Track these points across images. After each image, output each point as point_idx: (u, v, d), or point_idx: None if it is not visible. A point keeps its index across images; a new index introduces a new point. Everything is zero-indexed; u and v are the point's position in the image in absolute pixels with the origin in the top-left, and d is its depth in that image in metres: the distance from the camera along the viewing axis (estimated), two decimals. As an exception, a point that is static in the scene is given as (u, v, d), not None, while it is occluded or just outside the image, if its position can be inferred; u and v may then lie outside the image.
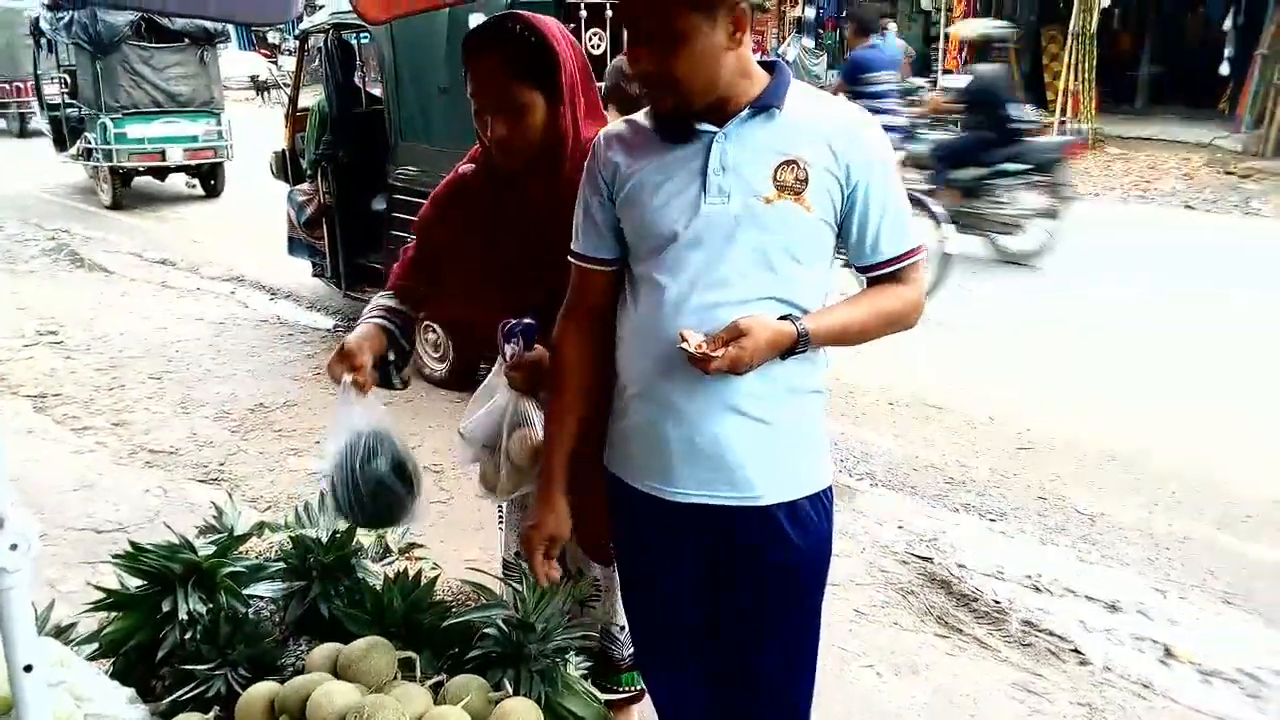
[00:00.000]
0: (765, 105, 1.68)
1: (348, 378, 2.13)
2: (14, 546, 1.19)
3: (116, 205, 11.38)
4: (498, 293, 2.23)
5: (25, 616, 1.24)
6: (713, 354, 1.58)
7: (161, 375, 5.74)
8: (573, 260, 1.89)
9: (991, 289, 7.55)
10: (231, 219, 10.85)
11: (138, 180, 11.99)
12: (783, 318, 1.66)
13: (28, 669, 1.25)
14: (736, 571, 1.85)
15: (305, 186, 6.43)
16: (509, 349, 2.08)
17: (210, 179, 12.17)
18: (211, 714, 1.80)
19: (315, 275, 6.69)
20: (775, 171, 1.66)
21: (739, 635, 1.93)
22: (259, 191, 10.41)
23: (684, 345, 1.60)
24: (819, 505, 1.82)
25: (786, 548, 1.79)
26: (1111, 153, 14.73)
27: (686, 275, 1.69)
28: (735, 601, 1.89)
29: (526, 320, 2.09)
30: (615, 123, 1.89)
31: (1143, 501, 4.22)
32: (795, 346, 1.65)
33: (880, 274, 1.78)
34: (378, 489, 2.08)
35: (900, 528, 4.00)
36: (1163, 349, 6.15)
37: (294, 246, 6.81)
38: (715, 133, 1.68)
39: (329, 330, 6.76)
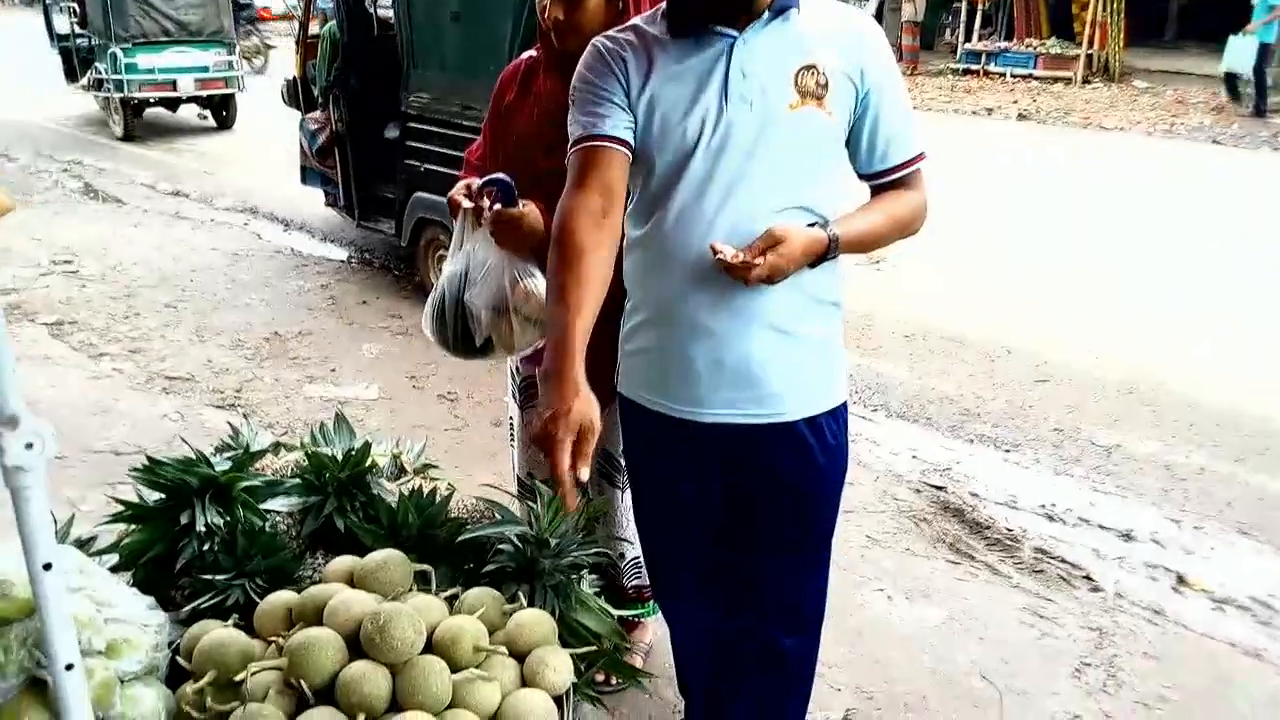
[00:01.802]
0: (783, 6, 1.63)
1: (467, 203, 2.14)
2: (29, 445, 1.19)
3: (128, 137, 11.31)
4: (540, 171, 2.19)
5: (43, 515, 1.24)
6: (753, 261, 1.56)
7: (176, 304, 5.74)
8: (581, 146, 1.70)
9: (1010, 223, 7.44)
10: (244, 151, 10.78)
11: (149, 111, 11.89)
12: (811, 224, 1.64)
13: (47, 567, 1.25)
14: (756, 490, 1.84)
15: (317, 115, 6.35)
16: (487, 204, 2.12)
17: (222, 110, 12.06)
18: (230, 621, 1.82)
19: (328, 205, 6.65)
20: (796, 77, 1.62)
21: (755, 555, 1.93)
22: (271, 123, 10.34)
23: (720, 256, 1.58)
24: (838, 421, 1.82)
25: (807, 464, 1.79)
26: (1138, 86, 14.43)
27: (710, 188, 1.65)
28: (752, 520, 1.89)
29: (501, 176, 2.11)
30: (618, 30, 1.80)
31: (1160, 434, 4.20)
32: (826, 253, 1.64)
33: (889, 180, 1.75)
34: (469, 319, 2.17)
35: (914, 457, 4.00)
36: (1184, 284, 6.07)
37: (307, 175, 6.76)
38: (735, 37, 1.63)
39: (343, 262, 6.74)
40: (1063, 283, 6.15)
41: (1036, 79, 15.93)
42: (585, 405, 1.53)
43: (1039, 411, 4.42)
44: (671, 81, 1.66)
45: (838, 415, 1.82)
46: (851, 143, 1.70)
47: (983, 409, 4.45)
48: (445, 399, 4.51)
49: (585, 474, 1.61)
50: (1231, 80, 12.71)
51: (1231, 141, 10.85)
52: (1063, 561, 3.29)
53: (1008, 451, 4.07)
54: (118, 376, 4.67)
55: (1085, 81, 15.30)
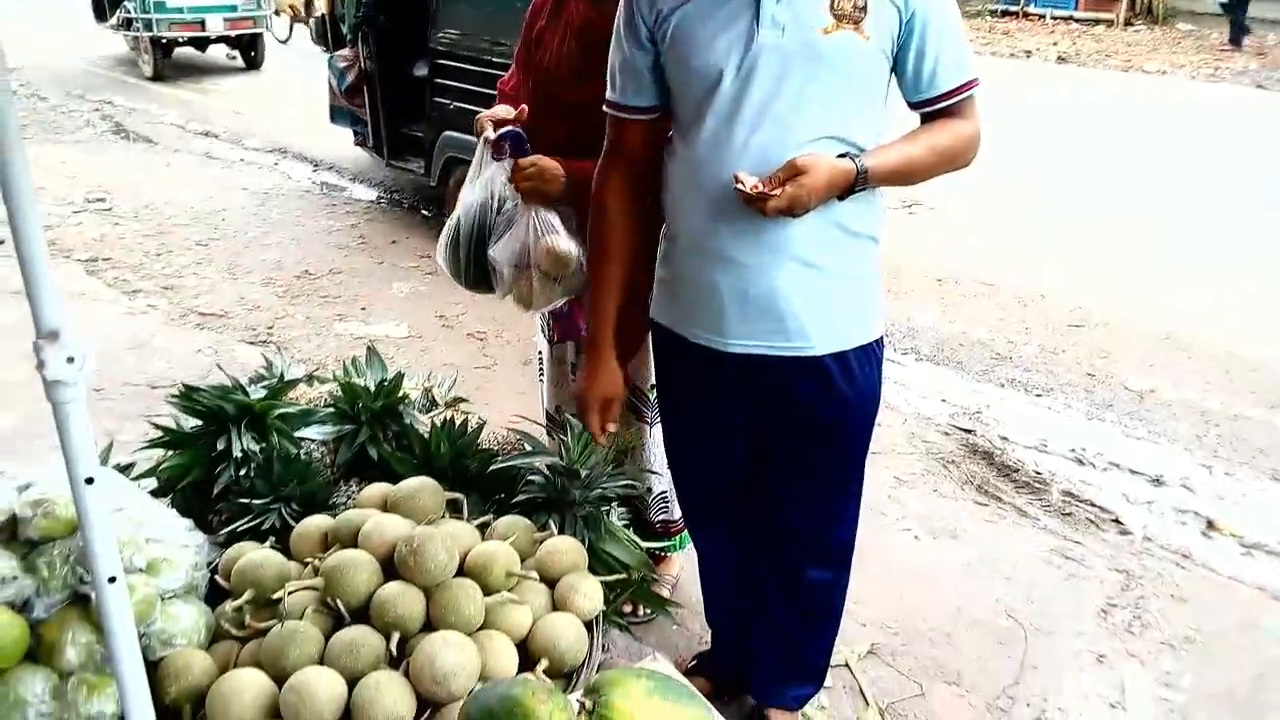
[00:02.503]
0: None
1: (489, 132, 2.13)
2: (70, 360, 1.21)
3: (158, 77, 11.31)
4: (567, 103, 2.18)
5: (84, 430, 1.26)
6: (770, 193, 1.53)
7: (208, 242, 5.78)
8: (608, 111, 1.82)
9: (1047, 168, 7.31)
10: (273, 91, 10.75)
11: (178, 51, 11.87)
12: (840, 156, 1.60)
13: (89, 481, 1.28)
14: (785, 423, 1.84)
15: (346, 52, 6.30)
16: (506, 163, 2.12)
17: (250, 50, 12.02)
18: (267, 544, 1.86)
19: (357, 144, 6.62)
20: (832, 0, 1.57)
21: (783, 487, 1.93)
22: (300, 63, 10.29)
23: (739, 186, 1.55)
24: (870, 356, 1.79)
25: (836, 399, 1.78)
26: (1182, 29, 14.01)
27: (739, 116, 1.62)
28: (781, 453, 1.89)
29: (509, 129, 2.11)
30: None
31: (1195, 380, 4.15)
32: (854, 185, 1.60)
33: (937, 109, 1.69)
34: (480, 253, 2.17)
35: (943, 401, 3.98)
36: (1223, 233, 5.95)
37: (336, 114, 6.73)
38: None
39: (372, 201, 6.74)
40: (1099, 229, 6.04)
41: (1077, 21, 15.51)
42: (610, 382, 1.95)
43: (1071, 356, 4.37)
44: (703, 4, 1.62)
45: (869, 351, 1.79)
46: (898, 68, 1.65)
47: (1014, 353, 4.41)
48: (475, 338, 4.53)
49: (613, 428, 2.00)
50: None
51: (1276, 86, 10.54)
52: (1091, 505, 3.27)
53: (1038, 396, 4.04)
54: (152, 313, 4.72)
55: (1127, 24, 14.87)
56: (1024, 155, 7.51)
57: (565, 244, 2.07)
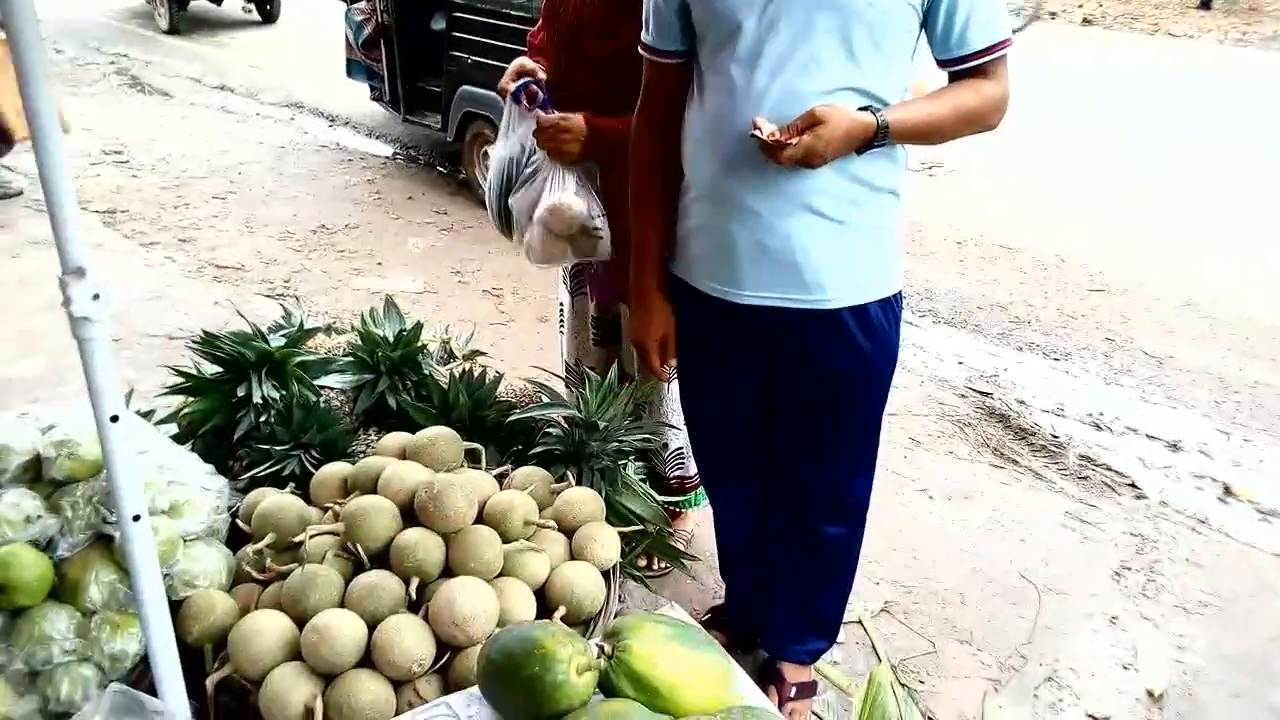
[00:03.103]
0: None
1: (512, 86, 2.14)
2: (96, 297, 1.21)
3: (173, 30, 11.22)
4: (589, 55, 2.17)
5: (109, 367, 1.27)
6: (787, 141, 1.51)
7: (225, 195, 5.77)
8: (643, 53, 1.81)
9: (1069, 132, 7.21)
10: (288, 45, 10.67)
11: (194, 5, 11.76)
12: (862, 109, 1.57)
13: (114, 419, 1.29)
14: (801, 377, 1.82)
15: (363, 4, 6.23)
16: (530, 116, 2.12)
17: (266, 3, 11.92)
18: (287, 489, 1.87)
19: (374, 99, 6.58)
20: None
21: (799, 442, 1.92)
22: (316, 18, 10.21)
23: (756, 133, 1.53)
24: (888, 311, 1.78)
25: (853, 353, 1.76)
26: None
27: (760, 63, 1.59)
28: (798, 407, 1.88)
29: (525, 80, 2.11)
30: None
31: (1215, 347, 4.11)
32: (874, 140, 1.57)
33: (965, 68, 1.65)
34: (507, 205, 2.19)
35: (960, 364, 3.96)
36: (1246, 201, 5.87)
37: (352, 68, 6.68)
38: None
39: (388, 158, 6.71)
40: (1122, 194, 5.96)
41: (1104, -18, 15.17)
42: (663, 321, 1.93)
43: (1091, 321, 4.34)
44: None
45: (887, 306, 1.78)
46: (928, 24, 1.62)
47: (1033, 317, 4.37)
48: (490, 294, 4.52)
49: (674, 363, 2.00)
50: None
51: (1308, 51, 10.35)
52: (1108, 469, 3.26)
53: (1057, 360, 4.01)
54: (169, 265, 4.73)
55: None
56: (1047, 118, 7.40)
57: (572, 202, 2.06)
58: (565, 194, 2.08)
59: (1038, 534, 2.90)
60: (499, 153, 2.24)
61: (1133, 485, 3.17)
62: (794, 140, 1.50)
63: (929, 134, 1.65)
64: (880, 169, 1.66)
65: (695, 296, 1.82)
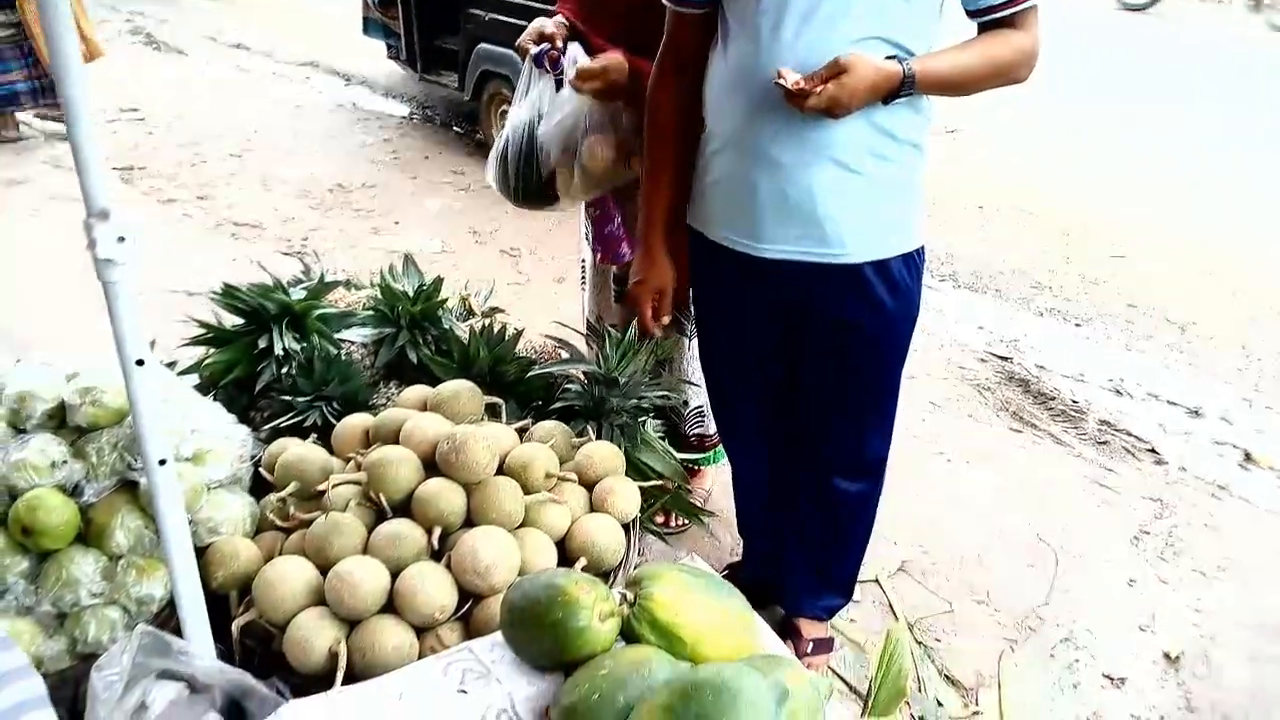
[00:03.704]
0: None
1: (533, 49, 2.12)
2: (121, 239, 1.20)
3: (189, -13, 11.17)
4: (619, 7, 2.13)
5: (134, 311, 1.26)
6: (811, 90, 1.49)
7: (242, 154, 5.76)
8: (667, 4, 1.79)
9: (1094, 93, 7.10)
10: (304, 3, 10.59)
11: (209, -39, 11.71)
12: (889, 58, 1.55)
13: (140, 363, 1.29)
14: (822, 332, 1.81)
15: (379, -39, 6.18)
16: (551, 77, 2.10)
17: (281, -38, 11.83)
18: (310, 439, 1.88)
19: (390, 57, 6.53)
20: None
21: (819, 397, 1.92)
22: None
23: (780, 82, 1.51)
24: (910, 266, 1.76)
25: (874, 308, 1.75)
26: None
27: (787, 13, 1.56)
28: (817, 362, 1.87)
29: (546, 46, 2.08)
30: None
31: (1238, 314, 4.07)
32: (899, 90, 1.55)
33: (995, 18, 1.63)
34: (529, 167, 2.17)
35: (980, 328, 3.93)
36: (1276, 167, 5.78)
37: (368, 26, 6.62)
38: None
39: (404, 117, 6.67)
40: (1147, 159, 5.89)
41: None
42: (662, 274, 1.95)
43: (1113, 287, 4.30)
44: None
45: (909, 261, 1.76)
46: None
47: (1054, 282, 4.34)
48: (508, 254, 4.51)
49: (666, 320, 2.02)
50: None
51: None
52: (1128, 434, 3.24)
53: (1078, 325, 3.98)
54: (187, 222, 4.73)
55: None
56: (1068, 78, 7.29)
57: (608, 143, 2.04)
58: (605, 137, 2.06)
59: (1056, 498, 2.89)
60: (515, 116, 2.21)
61: (1153, 451, 3.16)
62: (818, 89, 1.49)
63: (956, 85, 1.63)
64: (905, 120, 1.64)
65: (714, 251, 1.80)
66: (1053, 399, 3.43)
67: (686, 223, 1.90)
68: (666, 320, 2.02)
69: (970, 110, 5.98)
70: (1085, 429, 3.27)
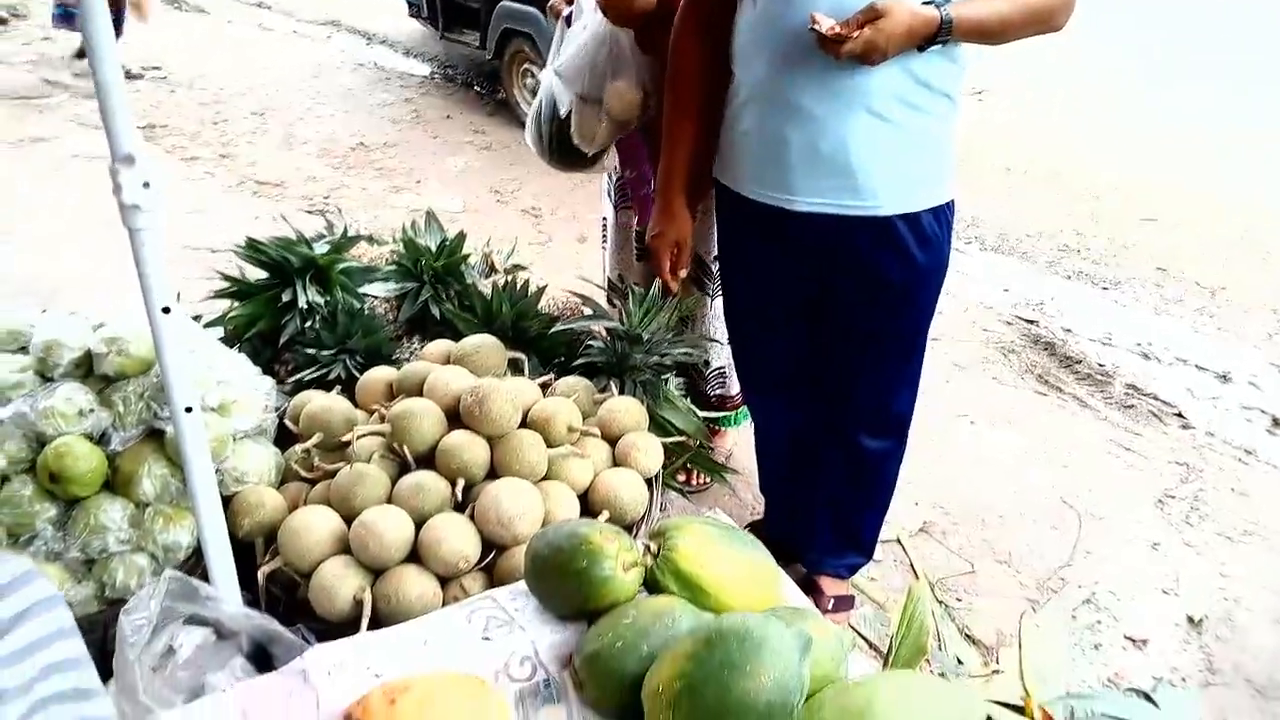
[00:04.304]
0: None
1: (565, 9, 2.12)
2: (146, 185, 1.20)
3: (210, -55, 11.11)
4: None
5: (160, 258, 1.26)
6: (846, 35, 1.46)
7: (263, 112, 5.75)
8: None
9: (1124, 54, 6.96)
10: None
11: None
12: (925, 3, 1.51)
13: (166, 310, 1.29)
14: (849, 286, 1.79)
15: (400, -83, 6.12)
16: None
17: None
18: (334, 392, 1.88)
19: (412, 15, 6.49)
20: None
21: (844, 353, 1.90)
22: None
23: (814, 28, 1.48)
24: (941, 219, 1.73)
25: (904, 262, 1.72)
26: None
27: None
28: (844, 316, 1.84)
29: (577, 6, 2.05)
30: None
31: (1269, 279, 4.01)
32: (936, 36, 1.51)
33: None
34: (561, 131, 2.16)
35: (1006, 291, 3.89)
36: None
37: (390, -15, 6.59)
38: None
39: (426, 77, 6.64)
40: (1179, 121, 5.77)
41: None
42: (681, 226, 1.92)
43: (1143, 250, 4.23)
44: None
45: (940, 214, 1.73)
46: None
47: (1082, 245, 4.28)
48: (529, 214, 4.49)
49: (684, 273, 1.99)
50: None
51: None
52: (1155, 398, 3.21)
53: (1106, 289, 3.93)
54: (209, 180, 4.74)
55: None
56: (1097, 40, 7.15)
57: (632, 92, 2.02)
58: (629, 83, 2.03)
59: (1080, 460, 2.87)
60: (549, 77, 2.19)
61: (1180, 415, 3.12)
62: (854, 34, 1.45)
63: (994, 32, 1.59)
64: (940, 70, 1.60)
65: (743, 205, 1.78)
66: (1079, 362, 3.40)
67: (713, 176, 1.88)
68: (684, 274, 1.99)
69: (999, 72, 5.89)
70: (1112, 393, 3.23)
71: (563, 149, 2.24)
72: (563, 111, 2.12)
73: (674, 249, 1.93)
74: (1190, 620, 2.30)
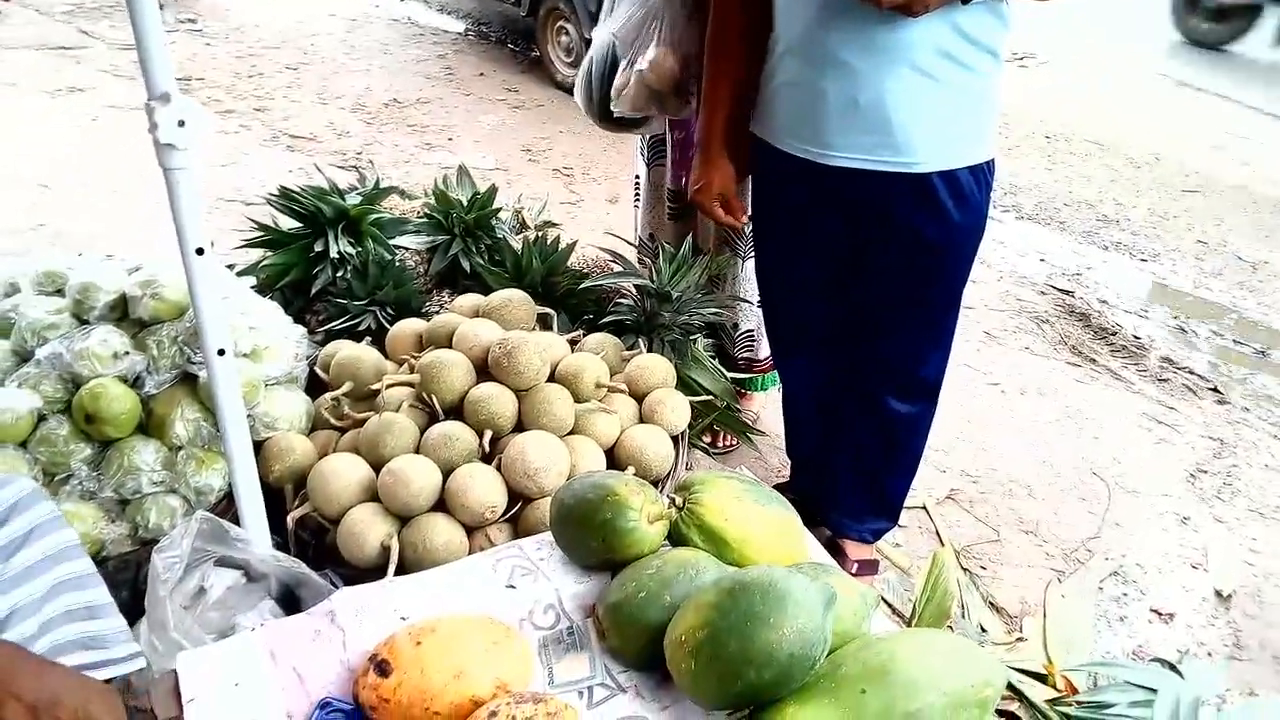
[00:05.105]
0: None
1: None
2: (181, 124, 1.20)
3: (246, -102, 11.06)
4: None
5: (195, 199, 1.27)
6: None
7: (298, 66, 5.74)
8: None
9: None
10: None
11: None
12: None
13: (199, 252, 1.29)
14: (884, 244, 1.76)
15: None
16: None
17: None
18: (364, 342, 1.89)
19: (447, -29, 6.44)
20: None
21: (876, 312, 1.87)
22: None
23: None
24: (980, 178, 1.70)
25: (941, 221, 1.69)
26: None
27: None
28: (878, 275, 1.82)
29: None
30: None
31: (1314, 253, 3.93)
32: None
33: None
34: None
35: (1042, 260, 3.84)
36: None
37: (425, -60, 6.53)
38: None
39: (459, 34, 6.59)
40: (1223, 93, 5.63)
41: None
42: (724, 177, 1.91)
43: (1183, 222, 4.15)
44: None
45: (979, 173, 1.70)
46: None
47: (1122, 216, 4.20)
48: (561, 173, 4.47)
49: (744, 218, 1.99)
50: None
51: None
52: (1190, 373, 3.16)
53: (1144, 260, 3.86)
54: (244, 133, 4.74)
55: None
56: (1142, 6, 6.97)
57: (673, 62, 1.98)
58: (669, 50, 2.01)
59: (1112, 433, 2.83)
60: (601, 34, 2.16)
61: (1215, 390, 3.08)
62: None
63: None
64: (984, 24, 1.57)
65: (778, 159, 1.75)
66: (1114, 334, 3.35)
67: (750, 130, 1.86)
68: (744, 218, 1.98)
69: (1043, 39, 5.76)
70: (1146, 366, 3.19)
71: (612, 111, 2.21)
72: (619, 72, 2.09)
73: (719, 198, 1.92)
74: (1218, 595, 2.28)
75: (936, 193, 1.66)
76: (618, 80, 2.05)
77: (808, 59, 1.63)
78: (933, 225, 1.69)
